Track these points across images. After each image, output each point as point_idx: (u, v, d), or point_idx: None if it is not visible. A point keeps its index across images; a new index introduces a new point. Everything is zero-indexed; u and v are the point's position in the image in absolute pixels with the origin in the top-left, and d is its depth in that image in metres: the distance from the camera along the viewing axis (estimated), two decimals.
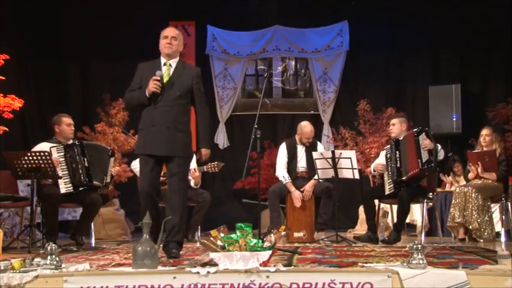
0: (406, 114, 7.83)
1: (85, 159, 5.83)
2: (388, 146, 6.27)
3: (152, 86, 4.34)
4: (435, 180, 6.46)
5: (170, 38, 4.46)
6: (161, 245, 4.36)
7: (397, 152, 6.04)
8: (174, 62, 4.51)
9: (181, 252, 4.41)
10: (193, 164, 6.59)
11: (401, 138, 6.13)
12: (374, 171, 6.38)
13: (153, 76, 4.37)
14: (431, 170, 5.93)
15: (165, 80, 4.43)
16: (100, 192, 6.11)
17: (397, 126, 6.22)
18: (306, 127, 6.71)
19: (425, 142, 5.90)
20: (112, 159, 6.12)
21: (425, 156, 5.88)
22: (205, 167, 6.56)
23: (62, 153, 5.82)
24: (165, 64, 4.50)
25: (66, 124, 5.95)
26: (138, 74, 4.56)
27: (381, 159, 6.33)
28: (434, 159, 5.88)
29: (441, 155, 6.06)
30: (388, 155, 6.15)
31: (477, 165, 6.29)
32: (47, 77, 9.41)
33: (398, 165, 6.00)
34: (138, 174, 6.78)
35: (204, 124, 4.53)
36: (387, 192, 6.13)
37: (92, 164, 5.88)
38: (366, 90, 9.47)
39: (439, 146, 6.04)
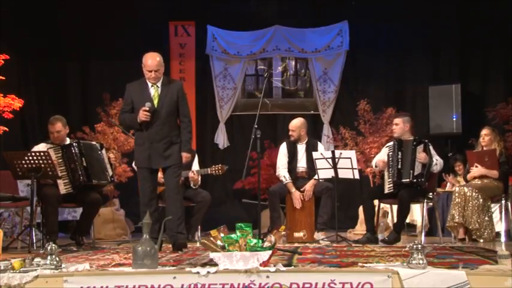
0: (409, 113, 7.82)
1: (83, 159, 5.82)
2: (391, 143, 6.24)
3: (142, 116, 4.84)
4: (435, 180, 6.46)
5: (153, 72, 4.90)
6: (163, 245, 4.92)
7: (400, 152, 6.03)
8: (159, 83, 4.99)
9: (181, 253, 4.70)
10: (195, 166, 6.59)
11: (404, 138, 6.12)
12: (376, 166, 6.36)
13: (142, 107, 4.83)
14: (420, 184, 5.95)
15: (155, 101, 4.94)
16: (107, 187, 6.09)
17: (400, 126, 6.19)
18: (292, 121, 6.78)
19: (420, 155, 5.93)
20: (103, 151, 6.08)
21: (418, 170, 5.93)
22: (209, 169, 6.55)
23: (60, 154, 5.81)
24: (152, 86, 4.98)
25: (55, 131, 5.88)
26: (128, 95, 5.08)
27: (383, 155, 6.31)
28: (425, 174, 5.94)
29: (436, 169, 6.11)
30: (390, 154, 6.13)
31: (476, 166, 6.30)
32: (47, 77, 9.39)
33: (399, 166, 6.00)
34: None
35: (186, 131, 5.01)
36: (386, 191, 6.13)
37: (91, 164, 5.86)
38: (366, 90, 9.46)
39: (436, 160, 6.04)
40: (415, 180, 5.90)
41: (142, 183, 5.04)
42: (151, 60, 4.91)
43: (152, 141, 4.91)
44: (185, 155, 5.01)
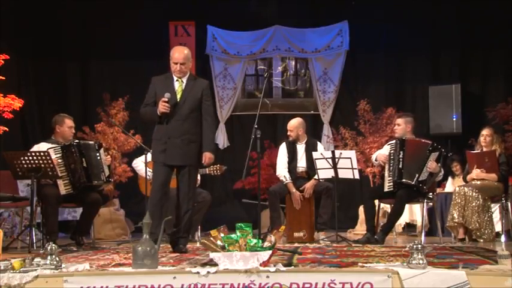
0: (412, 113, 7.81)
1: (83, 159, 5.82)
2: (393, 142, 6.21)
3: (161, 107, 4.72)
4: (435, 182, 6.45)
5: (179, 65, 4.84)
6: (162, 245, 4.67)
7: (401, 152, 6.02)
8: (185, 79, 4.91)
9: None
10: None
11: (406, 137, 6.11)
12: (376, 160, 6.35)
13: (162, 97, 4.73)
14: (420, 189, 5.95)
15: (178, 96, 4.85)
16: (106, 187, 6.04)
17: (402, 127, 6.19)
18: (290, 121, 6.79)
19: (432, 164, 5.89)
20: (101, 150, 6.04)
21: (424, 176, 5.91)
22: (207, 169, 6.55)
23: (60, 154, 5.81)
24: (177, 80, 4.91)
25: (68, 126, 5.95)
26: (152, 88, 4.96)
27: (385, 152, 6.30)
28: (429, 182, 5.95)
29: (439, 179, 6.22)
30: (392, 152, 6.12)
31: (476, 169, 6.31)
32: (47, 77, 9.40)
33: (400, 166, 5.98)
34: (139, 173, 6.84)
35: (210, 131, 4.95)
36: (386, 189, 6.11)
37: (90, 164, 5.86)
38: (366, 90, 9.46)
39: (442, 171, 6.08)
40: (416, 183, 5.89)
41: (154, 179, 4.90)
42: (178, 53, 4.89)
43: (170, 136, 4.78)
44: (209, 156, 4.85)
